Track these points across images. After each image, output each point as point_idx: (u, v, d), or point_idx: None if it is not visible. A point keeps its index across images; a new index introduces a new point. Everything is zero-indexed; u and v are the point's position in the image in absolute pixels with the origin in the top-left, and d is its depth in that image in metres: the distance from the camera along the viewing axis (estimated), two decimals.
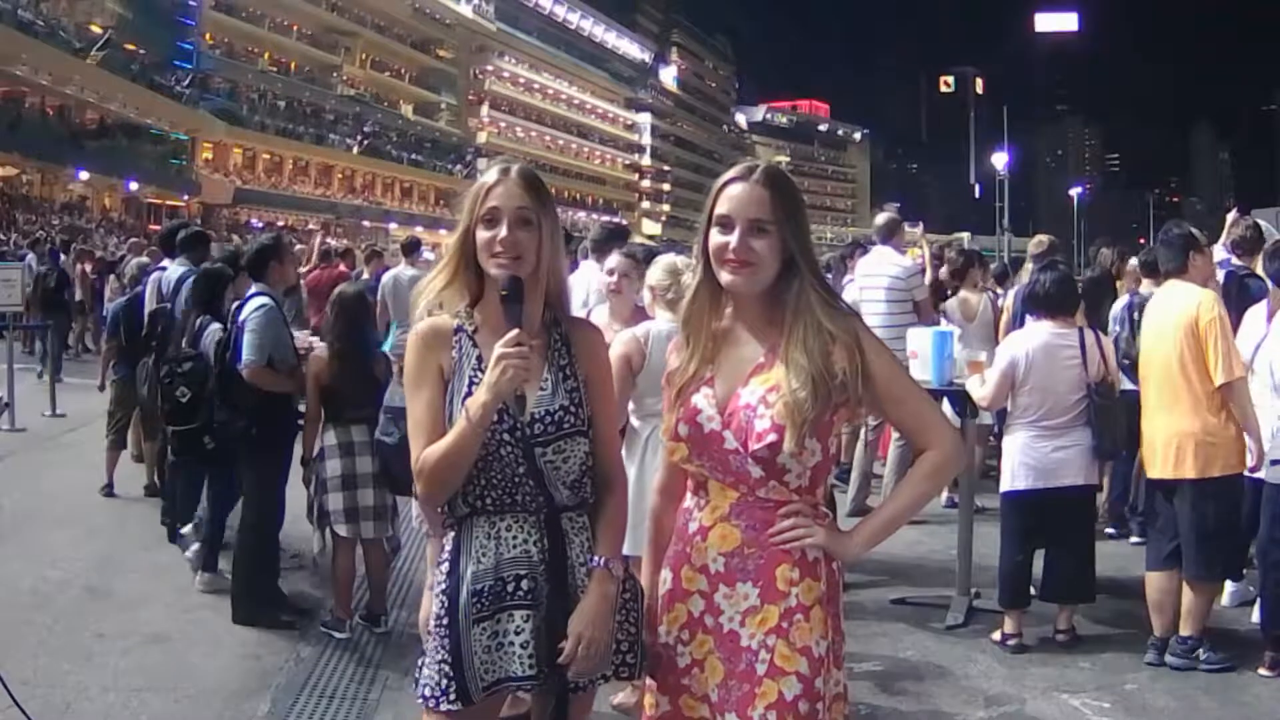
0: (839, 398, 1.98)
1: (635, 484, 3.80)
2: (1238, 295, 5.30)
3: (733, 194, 2.02)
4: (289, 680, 4.26)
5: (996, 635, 4.69)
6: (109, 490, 7.11)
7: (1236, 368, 4.29)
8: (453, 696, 2.08)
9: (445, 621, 2.10)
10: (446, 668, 2.08)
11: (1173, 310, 4.44)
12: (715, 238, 2.03)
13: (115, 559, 5.77)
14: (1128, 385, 6.54)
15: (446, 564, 2.14)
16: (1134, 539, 6.22)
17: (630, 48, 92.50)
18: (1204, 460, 4.30)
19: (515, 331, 2.03)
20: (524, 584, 2.09)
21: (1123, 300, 6.58)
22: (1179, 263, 4.53)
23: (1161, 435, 4.44)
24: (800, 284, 2.01)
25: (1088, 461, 4.61)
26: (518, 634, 2.08)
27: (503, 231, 2.09)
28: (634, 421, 3.89)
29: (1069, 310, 4.72)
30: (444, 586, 2.13)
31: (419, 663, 2.18)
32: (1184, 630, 4.44)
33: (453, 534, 2.15)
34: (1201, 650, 4.41)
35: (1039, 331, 4.67)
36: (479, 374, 2.09)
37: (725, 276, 2.02)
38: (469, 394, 2.08)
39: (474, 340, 2.14)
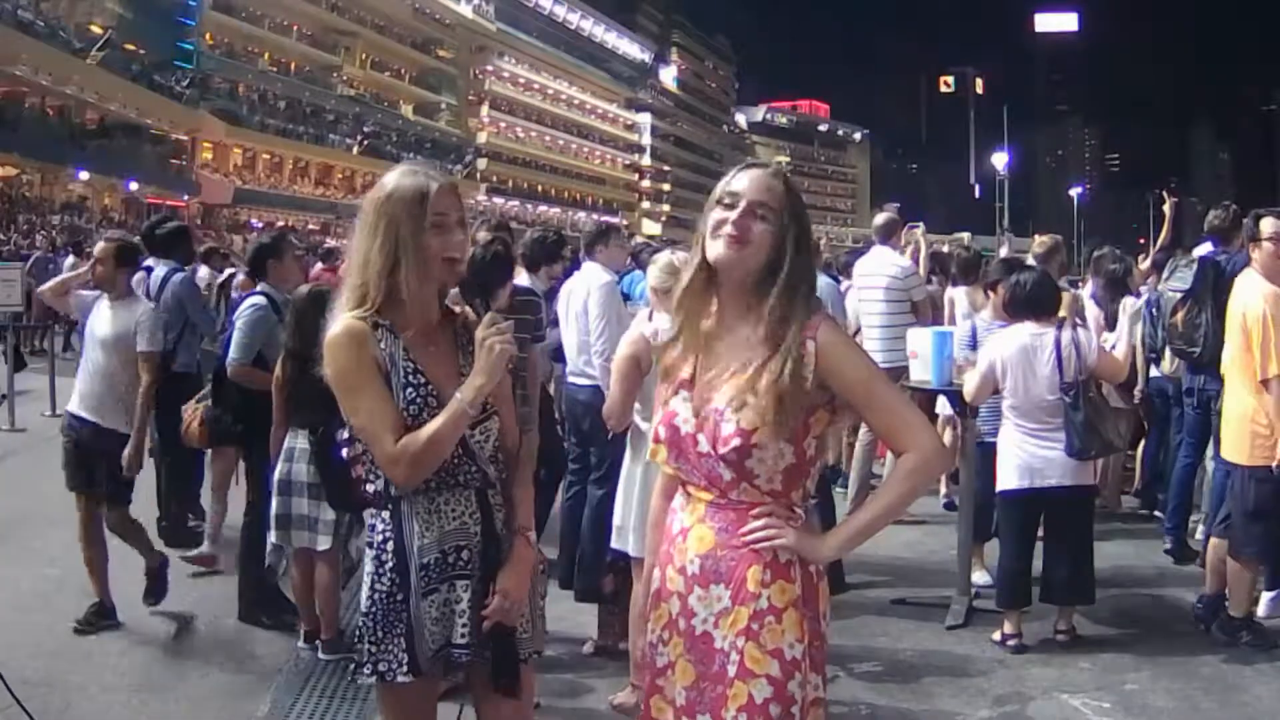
0: (814, 400, 1.97)
1: (641, 484, 3.79)
2: (1214, 279, 5.21)
3: (748, 175, 2.03)
4: (289, 680, 4.26)
5: (996, 635, 4.69)
6: None
7: (1273, 365, 4.37)
8: (406, 669, 2.19)
9: (399, 597, 2.20)
10: (402, 640, 2.19)
11: (1237, 301, 4.62)
12: (717, 214, 2.01)
13: (115, 559, 5.76)
14: (1155, 372, 6.62)
15: (391, 541, 2.22)
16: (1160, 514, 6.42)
17: (630, 48, 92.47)
18: (1253, 448, 4.49)
19: (492, 314, 2.21)
20: (464, 554, 2.23)
21: (1142, 299, 6.59)
22: (1245, 255, 4.75)
23: (1227, 416, 4.68)
24: (778, 290, 1.98)
25: (1074, 462, 4.57)
26: (457, 603, 2.21)
27: (458, 235, 2.23)
28: (639, 421, 3.86)
29: (1049, 311, 4.72)
30: (391, 564, 2.22)
31: (361, 647, 2.24)
32: (1232, 610, 4.66)
33: (386, 513, 2.24)
34: (1245, 632, 4.62)
35: (1018, 333, 4.68)
36: (410, 364, 2.18)
37: (715, 249, 1.99)
38: (409, 385, 2.17)
39: (394, 334, 2.20)
